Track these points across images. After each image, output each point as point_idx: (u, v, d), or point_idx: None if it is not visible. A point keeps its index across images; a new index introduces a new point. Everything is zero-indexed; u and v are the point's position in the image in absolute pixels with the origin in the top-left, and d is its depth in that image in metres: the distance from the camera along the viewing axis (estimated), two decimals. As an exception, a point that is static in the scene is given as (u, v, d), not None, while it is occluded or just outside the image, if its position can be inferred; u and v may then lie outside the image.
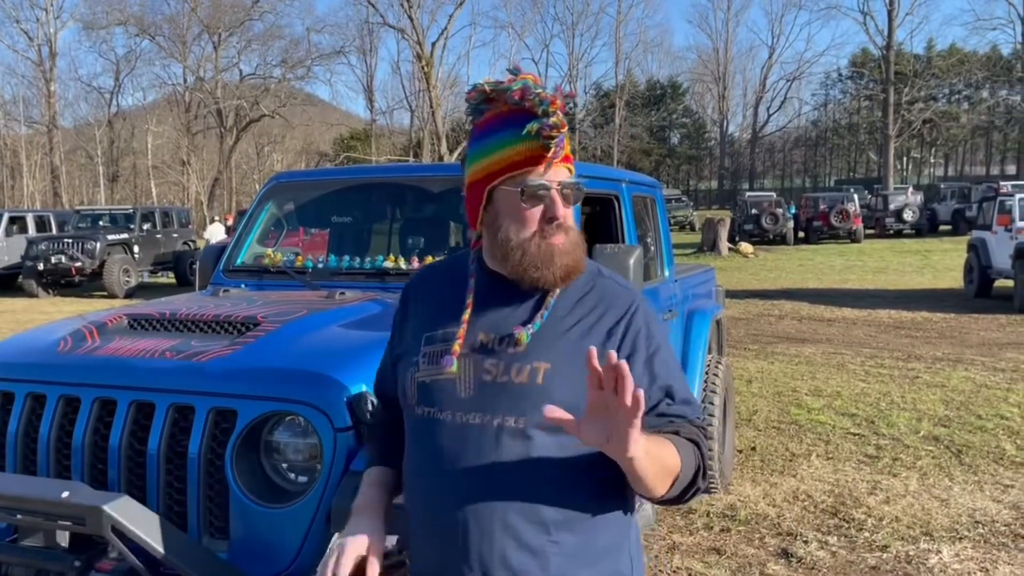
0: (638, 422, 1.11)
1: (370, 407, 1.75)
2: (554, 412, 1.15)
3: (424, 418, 1.38)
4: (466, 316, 1.39)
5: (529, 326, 1.35)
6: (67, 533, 1.90)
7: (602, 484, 1.34)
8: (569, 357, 1.34)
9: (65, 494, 1.76)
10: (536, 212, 1.35)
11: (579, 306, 1.40)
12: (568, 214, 1.37)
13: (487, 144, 1.37)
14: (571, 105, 1.42)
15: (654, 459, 1.22)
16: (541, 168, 1.34)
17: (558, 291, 1.40)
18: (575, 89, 56.04)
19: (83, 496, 1.77)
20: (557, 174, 1.36)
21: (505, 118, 1.36)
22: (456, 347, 1.36)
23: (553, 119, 1.32)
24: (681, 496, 1.33)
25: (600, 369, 1.12)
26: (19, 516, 1.87)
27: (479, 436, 1.33)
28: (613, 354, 1.11)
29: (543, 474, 1.31)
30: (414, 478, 1.42)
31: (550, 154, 1.33)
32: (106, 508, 1.72)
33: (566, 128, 1.35)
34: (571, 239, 1.37)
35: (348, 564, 1.36)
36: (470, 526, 1.31)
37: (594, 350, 1.13)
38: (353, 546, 1.39)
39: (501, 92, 1.35)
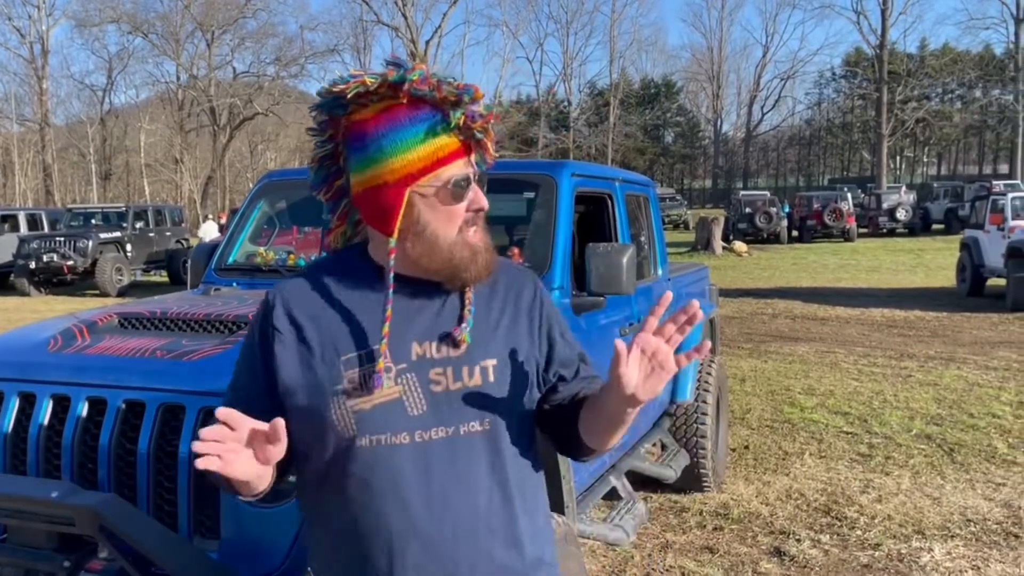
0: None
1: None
2: (620, 344, 1.18)
3: (375, 448, 1.24)
4: (386, 330, 1.26)
5: (464, 325, 1.29)
6: (57, 533, 1.89)
7: (536, 460, 1.39)
8: (508, 348, 1.33)
9: (54, 494, 1.75)
10: (462, 207, 1.29)
11: (495, 294, 1.38)
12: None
13: (394, 143, 1.26)
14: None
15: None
16: (463, 160, 1.29)
17: (470, 293, 1.35)
18: (569, 88, 56.09)
19: (72, 496, 1.76)
20: (469, 163, 1.31)
21: (411, 113, 1.26)
22: (381, 364, 1.24)
23: (478, 108, 1.28)
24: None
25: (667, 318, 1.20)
26: (8, 516, 1.86)
27: (447, 450, 1.26)
28: (695, 303, 1.21)
29: (510, 467, 1.31)
30: (370, 514, 1.25)
31: (476, 143, 1.30)
32: (95, 508, 1.71)
33: (492, 119, 1.31)
34: (485, 232, 1.34)
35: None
36: (460, 541, 1.26)
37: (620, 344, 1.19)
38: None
39: (396, 85, 1.25)
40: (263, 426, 1.15)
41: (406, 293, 1.30)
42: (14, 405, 2.21)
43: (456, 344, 1.28)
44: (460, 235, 1.29)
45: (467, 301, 1.32)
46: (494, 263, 1.34)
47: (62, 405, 2.17)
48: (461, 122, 1.27)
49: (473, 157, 1.32)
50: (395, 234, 1.28)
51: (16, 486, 1.90)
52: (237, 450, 1.15)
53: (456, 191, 1.28)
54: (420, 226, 1.28)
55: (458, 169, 1.28)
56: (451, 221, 1.28)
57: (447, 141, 1.27)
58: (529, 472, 1.37)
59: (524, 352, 1.35)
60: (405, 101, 1.26)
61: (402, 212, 1.28)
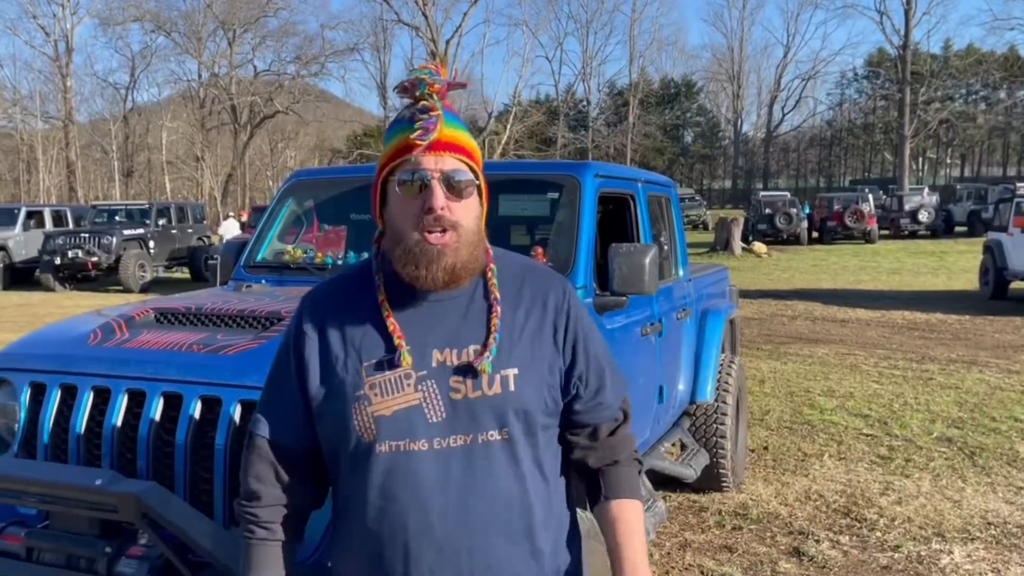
0: None
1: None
2: None
3: (395, 453, 1.27)
4: (395, 332, 1.29)
5: (487, 354, 1.28)
6: (99, 520, 1.95)
7: (558, 466, 1.40)
8: (530, 357, 1.33)
9: (98, 481, 1.81)
10: (415, 204, 1.27)
11: (521, 300, 1.36)
12: (457, 208, 1.28)
13: (385, 139, 1.34)
14: (467, 93, 1.37)
15: (642, 543, 1.39)
16: (415, 156, 1.26)
17: (499, 295, 1.34)
18: (589, 88, 55.97)
19: (115, 484, 1.82)
20: (440, 162, 1.27)
21: (407, 109, 1.31)
22: (401, 369, 1.28)
23: (422, 102, 1.27)
24: None
25: None
26: (51, 503, 1.93)
27: (466, 458, 1.27)
28: None
29: (529, 475, 1.32)
30: (390, 518, 1.28)
31: (414, 136, 1.26)
32: (138, 495, 1.77)
33: (437, 112, 1.27)
34: (461, 237, 1.28)
35: None
36: (475, 550, 1.28)
37: None
38: None
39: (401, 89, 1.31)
40: None
41: (430, 299, 1.32)
42: (56, 397, 2.29)
43: (476, 374, 1.28)
44: (420, 235, 1.27)
45: (493, 328, 1.31)
46: (467, 270, 1.30)
47: (103, 397, 2.24)
48: (407, 116, 1.29)
49: (445, 159, 1.28)
50: (380, 223, 1.35)
51: (60, 474, 1.96)
52: None
53: (398, 184, 1.28)
54: (389, 218, 1.32)
55: (408, 165, 1.27)
56: (405, 216, 1.28)
57: (402, 135, 1.28)
58: (550, 480, 1.36)
59: (548, 361, 1.35)
60: (410, 99, 1.31)
61: (377, 194, 1.34)
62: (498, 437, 1.29)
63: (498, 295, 1.34)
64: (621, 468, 1.42)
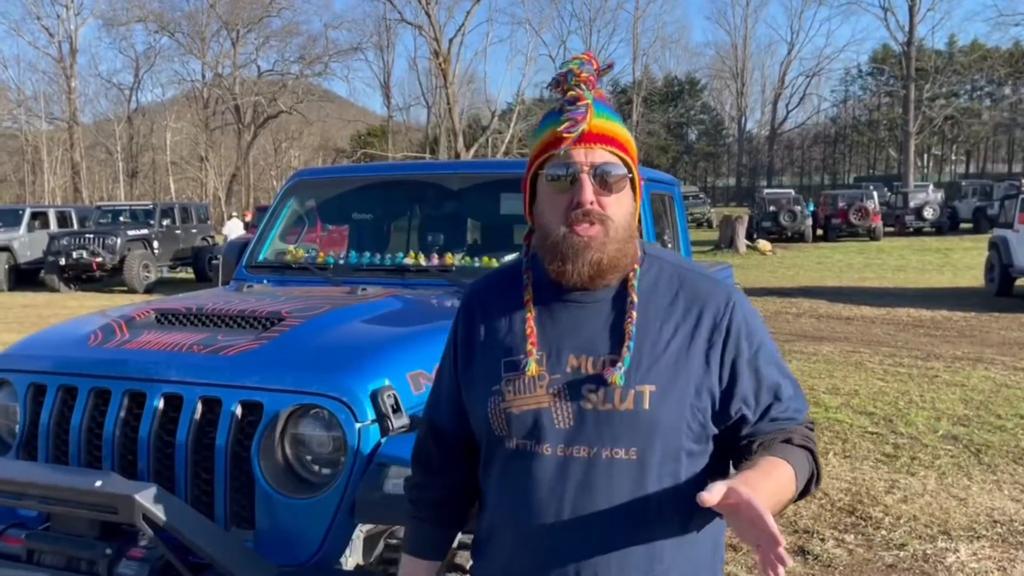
0: (778, 542, 1.04)
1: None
2: (712, 500, 1.05)
3: (518, 451, 1.26)
4: (531, 335, 1.27)
5: (619, 365, 1.21)
6: (99, 521, 1.95)
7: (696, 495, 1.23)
8: (673, 374, 1.23)
9: (98, 483, 1.81)
10: (563, 198, 1.23)
11: (672, 312, 1.27)
12: (607, 202, 1.23)
13: (534, 134, 1.30)
14: (611, 75, 1.34)
15: (777, 501, 1.19)
16: (565, 149, 1.22)
17: (636, 298, 1.27)
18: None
19: (116, 485, 1.81)
20: (590, 155, 1.22)
21: (550, 109, 1.29)
22: (532, 370, 1.25)
23: (570, 93, 1.23)
24: (798, 499, 1.30)
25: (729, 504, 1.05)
26: (52, 505, 1.92)
27: (586, 470, 1.22)
28: (733, 493, 1.05)
29: (656, 504, 1.23)
30: (506, 514, 1.29)
31: (562, 128, 1.22)
32: (138, 497, 1.76)
33: (585, 101, 1.22)
34: (609, 231, 1.23)
35: None
36: (583, 565, 1.22)
37: (708, 497, 1.04)
38: None
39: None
40: None
41: (573, 301, 1.28)
42: (56, 398, 2.28)
43: (608, 384, 1.21)
44: (568, 228, 1.23)
45: (628, 334, 1.24)
46: (614, 267, 1.25)
47: (103, 398, 2.24)
48: (558, 109, 1.26)
49: (595, 151, 1.23)
50: (529, 219, 1.33)
51: (60, 476, 1.96)
52: None
53: (548, 178, 1.25)
54: (538, 214, 1.29)
55: (557, 158, 1.24)
56: (554, 211, 1.25)
57: (552, 129, 1.25)
58: (692, 518, 1.25)
59: (695, 381, 1.24)
60: (560, 93, 1.27)
61: (527, 190, 1.32)
62: (624, 456, 1.21)
63: (635, 299, 1.26)
64: (788, 444, 1.26)
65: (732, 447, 1.30)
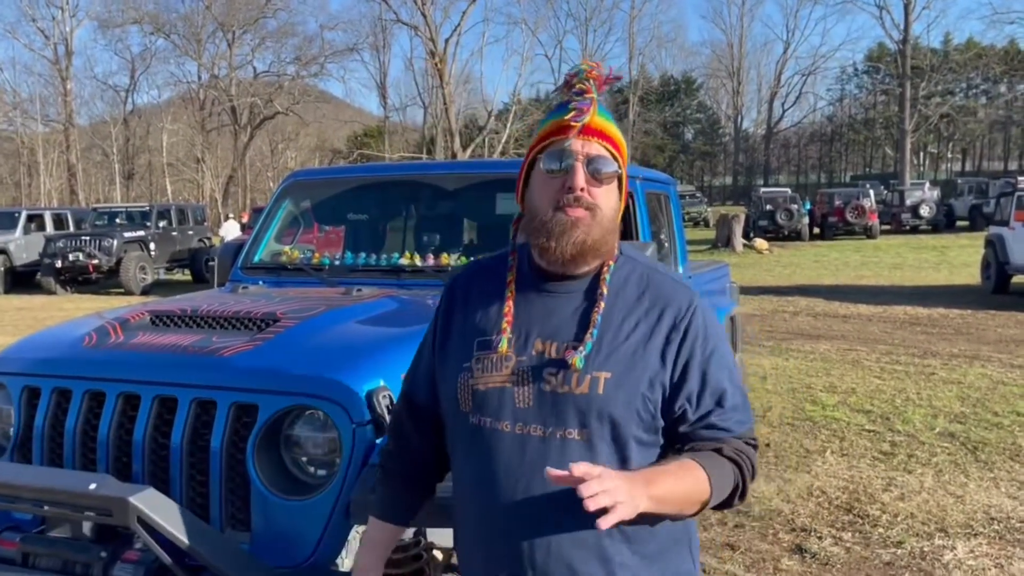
0: (613, 508, 1.12)
1: (389, 421, 1.60)
2: (555, 473, 1.15)
3: (479, 427, 1.35)
4: (507, 316, 1.36)
5: (581, 348, 1.30)
6: (93, 524, 1.94)
7: None
8: (629, 364, 1.31)
9: (92, 486, 1.80)
10: (556, 182, 1.32)
11: (637, 307, 1.35)
12: (598, 193, 1.33)
13: (540, 125, 1.39)
14: (614, 85, 1.44)
15: (671, 501, 1.25)
16: (565, 138, 1.32)
17: (607, 293, 1.35)
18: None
19: (110, 488, 1.81)
20: (586, 147, 1.32)
21: (557, 103, 1.38)
22: (503, 349, 1.33)
23: (579, 85, 1.32)
24: (720, 508, 1.36)
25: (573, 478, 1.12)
26: (46, 508, 1.91)
27: (540, 449, 1.30)
28: (578, 468, 1.12)
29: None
30: (468, 487, 1.38)
31: (568, 117, 1.32)
32: (132, 500, 1.76)
33: (592, 95, 1.32)
34: (596, 218, 1.32)
35: None
36: (536, 541, 1.29)
37: (553, 472, 1.14)
38: None
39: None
40: None
41: (546, 289, 1.38)
42: (50, 401, 2.28)
43: (568, 369, 1.29)
44: (557, 210, 1.32)
45: (592, 322, 1.32)
46: (595, 251, 1.33)
47: (97, 400, 2.23)
48: (564, 100, 1.34)
49: (592, 144, 1.33)
50: (520, 204, 1.41)
51: (55, 479, 1.95)
52: None
53: (546, 162, 1.34)
54: (530, 199, 1.38)
55: (557, 146, 1.33)
56: (546, 194, 1.33)
57: (556, 119, 1.35)
58: None
59: (650, 373, 1.31)
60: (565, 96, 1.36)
61: (522, 176, 1.40)
62: (576, 436, 1.29)
63: (605, 291, 1.35)
64: (716, 454, 1.33)
65: (670, 448, 1.37)
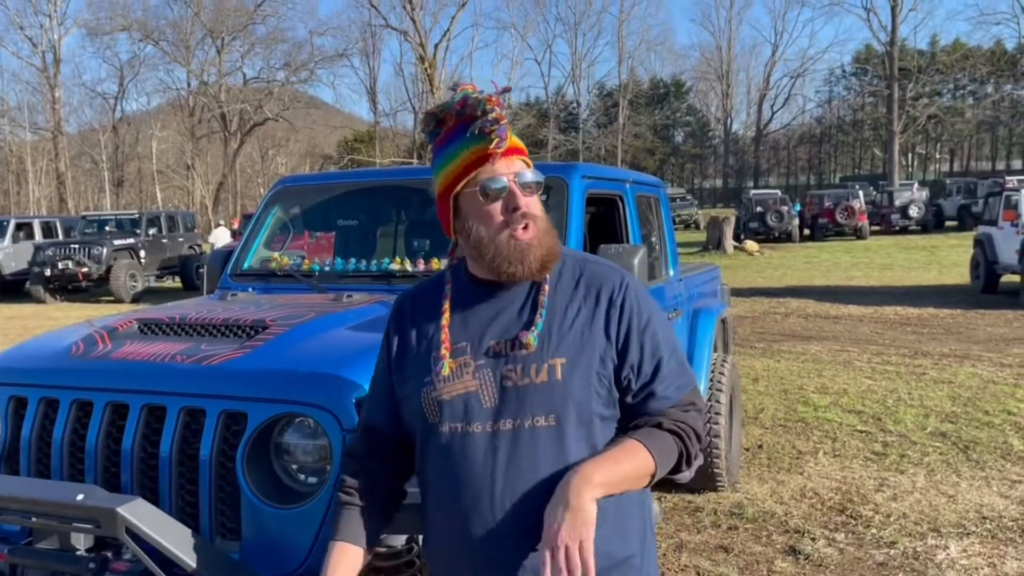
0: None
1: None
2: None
3: (452, 435, 1.40)
4: (445, 323, 1.44)
5: (533, 328, 1.39)
6: (82, 536, 1.92)
7: None
8: (580, 347, 1.40)
9: (80, 497, 1.78)
10: (497, 207, 1.39)
11: (576, 294, 1.45)
12: (531, 203, 1.41)
13: (444, 157, 1.43)
14: (507, 99, 1.46)
15: (619, 483, 1.34)
16: (491, 164, 1.39)
17: (548, 286, 1.44)
18: (579, 89, 56.06)
19: (98, 499, 1.79)
20: (511, 166, 1.40)
21: (454, 130, 1.42)
22: (444, 351, 1.41)
23: (492, 115, 1.37)
24: (671, 474, 1.44)
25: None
26: (34, 519, 1.89)
27: (513, 441, 1.36)
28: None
29: (574, 464, 1.35)
30: (444, 494, 1.42)
31: (492, 146, 1.37)
32: (121, 510, 1.74)
33: (505, 120, 1.39)
34: (541, 228, 1.41)
35: None
36: (523, 533, 1.33)
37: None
38: None
39: (446, 109, 1.42)
40: None
41: (488, 295, 1.46)
42: (37, 411, 2.26)
43: (524, 345, 1.39)
44: (506, 233, 1.39)
45: (540, 304, 1.42)
46: (552, 258, 1.42)
47: (85, 410, 2.21)
48: (477, 130, 1.39)
49: (514, 162, 1.41)
50: (452, 235, 1.48)
51: (42, 490, 1.93)
52: None
53: (484, 191, 1.39)
54: (467, 227, 1.43)
55: (488, 173, 1.39)
56: (488, 221, 1.40)
57: (473, 148, 1.40)
58: None
59: (600, 350, 1.41)
60: (453, 123, 1.42)
61: (451, 215, 1.45)
62: (544, 423, 1.36)
63: (546, 287, 1.44)
64: (656, 428, 1.41)
65: (625, 422, 1.45)
